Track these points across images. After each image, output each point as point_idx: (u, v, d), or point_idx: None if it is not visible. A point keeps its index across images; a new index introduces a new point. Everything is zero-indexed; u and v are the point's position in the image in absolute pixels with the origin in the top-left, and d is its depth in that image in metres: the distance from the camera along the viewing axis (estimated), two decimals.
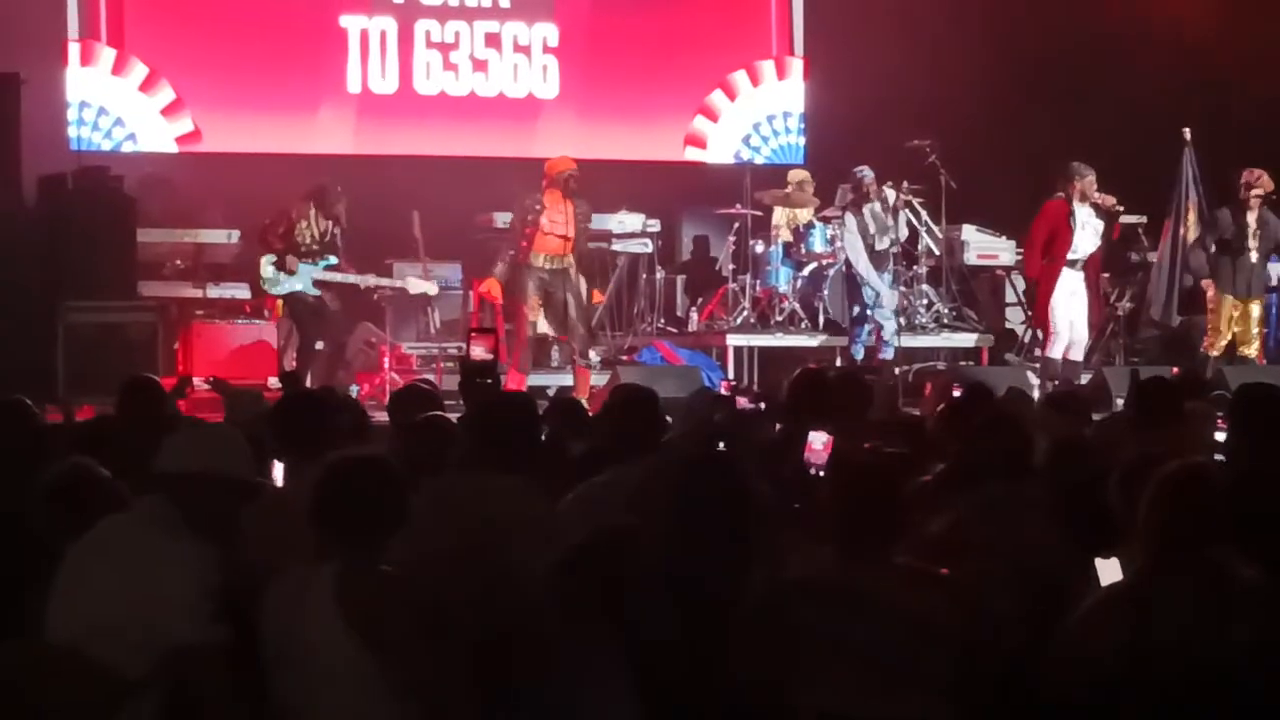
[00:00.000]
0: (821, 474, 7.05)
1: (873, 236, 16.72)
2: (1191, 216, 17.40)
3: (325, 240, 15.58)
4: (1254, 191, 16.25)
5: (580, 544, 5.52)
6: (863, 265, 16.63)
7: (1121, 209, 16.46)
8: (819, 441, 6.89)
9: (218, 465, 5.76)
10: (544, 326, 15.54)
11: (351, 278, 15.83)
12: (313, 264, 15.50)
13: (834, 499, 5.63)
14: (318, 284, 15.54)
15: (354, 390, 14.95)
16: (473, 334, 8.05)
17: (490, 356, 7.81)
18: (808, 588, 5.55)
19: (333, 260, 15.60)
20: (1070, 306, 16.21)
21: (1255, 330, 16.54)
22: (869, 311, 16.60)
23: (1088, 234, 16.16)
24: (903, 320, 17.02)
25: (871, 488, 5.59)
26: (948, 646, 5.43)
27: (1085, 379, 15.91)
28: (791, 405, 8.16)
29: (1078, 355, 16.37)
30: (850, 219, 16.82)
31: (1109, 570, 5.70)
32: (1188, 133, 17.45)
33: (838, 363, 16.64)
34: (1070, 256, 16.13)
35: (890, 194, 16.84)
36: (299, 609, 5.47)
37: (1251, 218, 16.34)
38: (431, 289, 16.26)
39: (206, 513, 5.68)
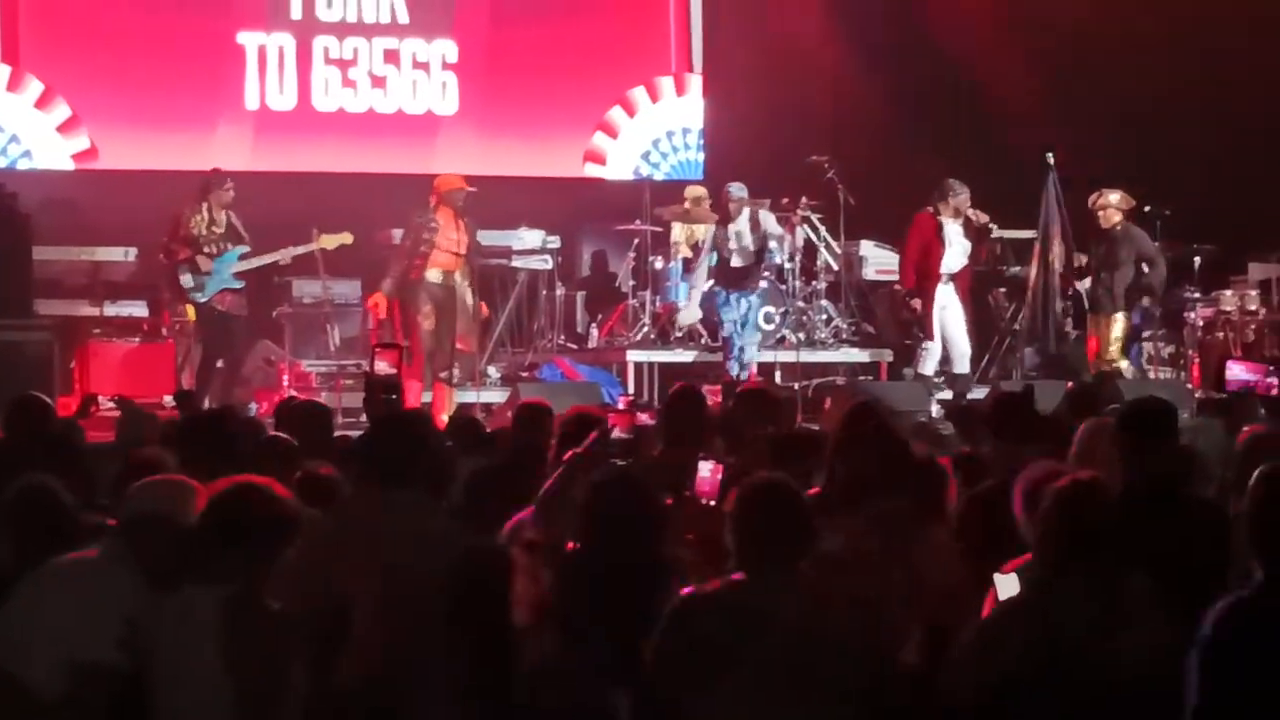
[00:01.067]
0: (713, 504, 7.01)
1: (730, 253, 16.69)
2: (1055, 245, 17.49)
3: (226, 229, 15.37)
4: (1100, 212, 16.52)
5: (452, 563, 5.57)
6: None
7: (993, 227, 16.65)
8: (707, 469, 6.87)
9: (174, 515, 5.85)
10: (434, 341, 15.50)
11: (269, 257, 15.61)
12: (223, 256, 15.29)
13: (737, 516, 5.68)
14: (239, 276, 15.35)
15: (253, 408, 14.87)
16: (378, 349, 8.04)
17: (395, 371, 7.80)
18: (712, 602, 5.61)
19: (244, 249, 15.40)
20: (943, 321, 16.36)
21: (1119, 345, 16.72)
22: (739, 327, 16.60)
23: (956, 250, 16.32)
24: (801, 335, 17.07)
25: (773, 504, 5.65)
26: (848, 659, 5.50)
27: (982, 393, 16.02)
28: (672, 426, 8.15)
29: (964, 368, 16.51)
30: (710, 231, 16.83)
31: (1006, 584, 5.77)
32: (1050, 156, 17.56)
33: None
34: (940, 271, 16.28)
35: (769, 219, 16.81)
36: (183, 630, 5.53)
37: (1113, 236, 16.58)
38: (347, 239, 15.96)
39: (157, 557, 5.78)
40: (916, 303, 16.39)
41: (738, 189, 16.67)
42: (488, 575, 5.49)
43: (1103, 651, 5.41)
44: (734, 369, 16.47)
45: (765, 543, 5.61)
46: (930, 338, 16.41)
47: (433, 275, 15.31)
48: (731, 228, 16.66)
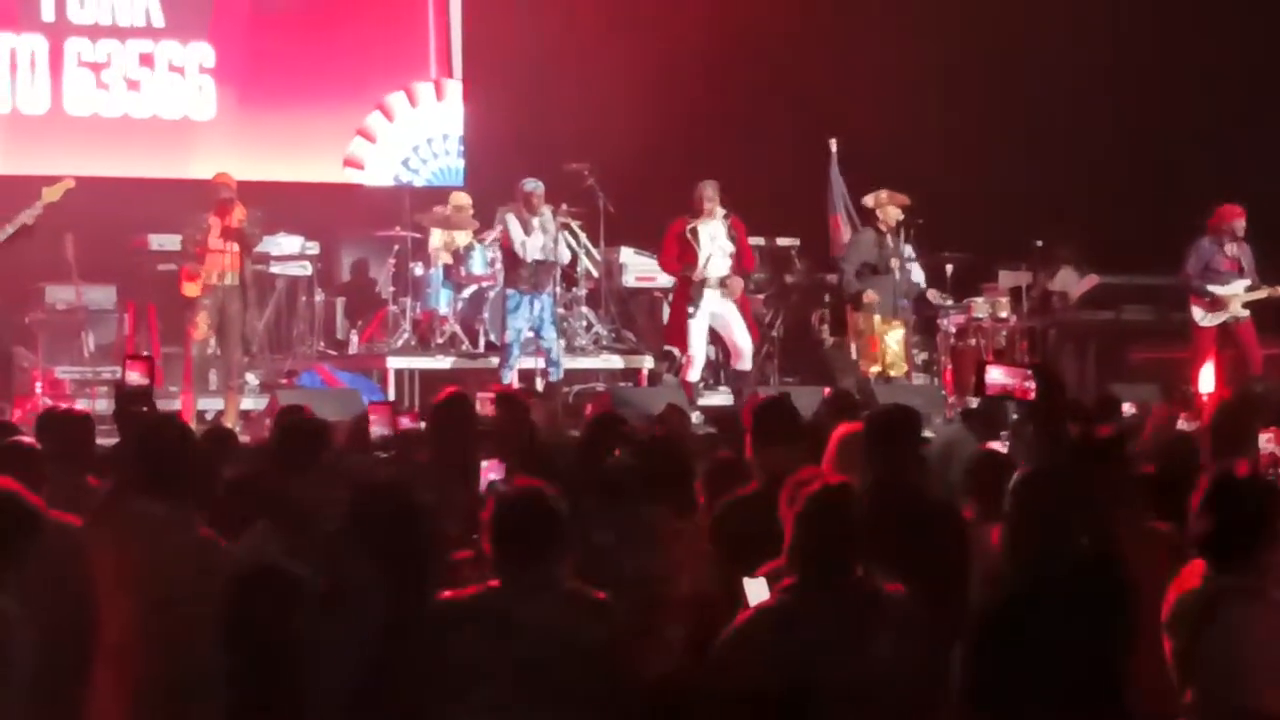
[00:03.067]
0: None
1: (526, 252, 16.57)
2: (843, 230, 17.80)
3: None
4: (881, 213, 16.73)
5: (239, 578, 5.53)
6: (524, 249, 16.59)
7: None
8: (493, 473, 6.95)
9: None
10: (215, 347, 15.34)
11: (4, 230, 14.70)
12: None
13: (492, 523, 5.70)
14: None
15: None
16: (129, 360, 7.94)
17: (146, 382, 7.72)
18: (465, 610, 5.63)
19: None
20: (716, 325, 16.42)
21: (900, 350, 16.92)
22: (537, 333, 16.54)
23: (716, 254, 16.26)
24: (562, 342, 17.08)
25: (528, 515, 5.68)
26: (598, 666, 5.55)
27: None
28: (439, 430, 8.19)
29: (746, 365, 16.54)
30: (511, 217, 16.70)
31: (756, 589, 5.85)
32: (834, 143, 17.83)
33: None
34: (698, 276, 16.24)
35: (548, 213, 16.77)
36: None
37: (889, 239, 16.77)
38: (69, 184, 14.85)
39: None
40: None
41: (539, 184, 16.57)
42: (261, 599, 5.43)
43: (852, 655, 5.50)
44: (507, 376, 16.40)
45: (518, 550, 5.64)
46: (685, 349, 16.42)
47: (210, 278, 15.14)
48: (535, 224, 16.51)
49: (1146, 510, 6.68)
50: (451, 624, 5.60)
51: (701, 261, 16.17)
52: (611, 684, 5.59)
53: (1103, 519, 5.93)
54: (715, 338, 16.66)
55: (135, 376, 7.66)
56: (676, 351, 16.74)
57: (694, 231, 16.18)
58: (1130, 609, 5.67)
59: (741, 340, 16.47)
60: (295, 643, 5.44)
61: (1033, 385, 8.12)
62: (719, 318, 16.37)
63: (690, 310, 16.23)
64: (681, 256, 16.27)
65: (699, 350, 16.37)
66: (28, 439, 7.72)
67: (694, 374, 16.40)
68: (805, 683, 5.45)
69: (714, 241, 16.23)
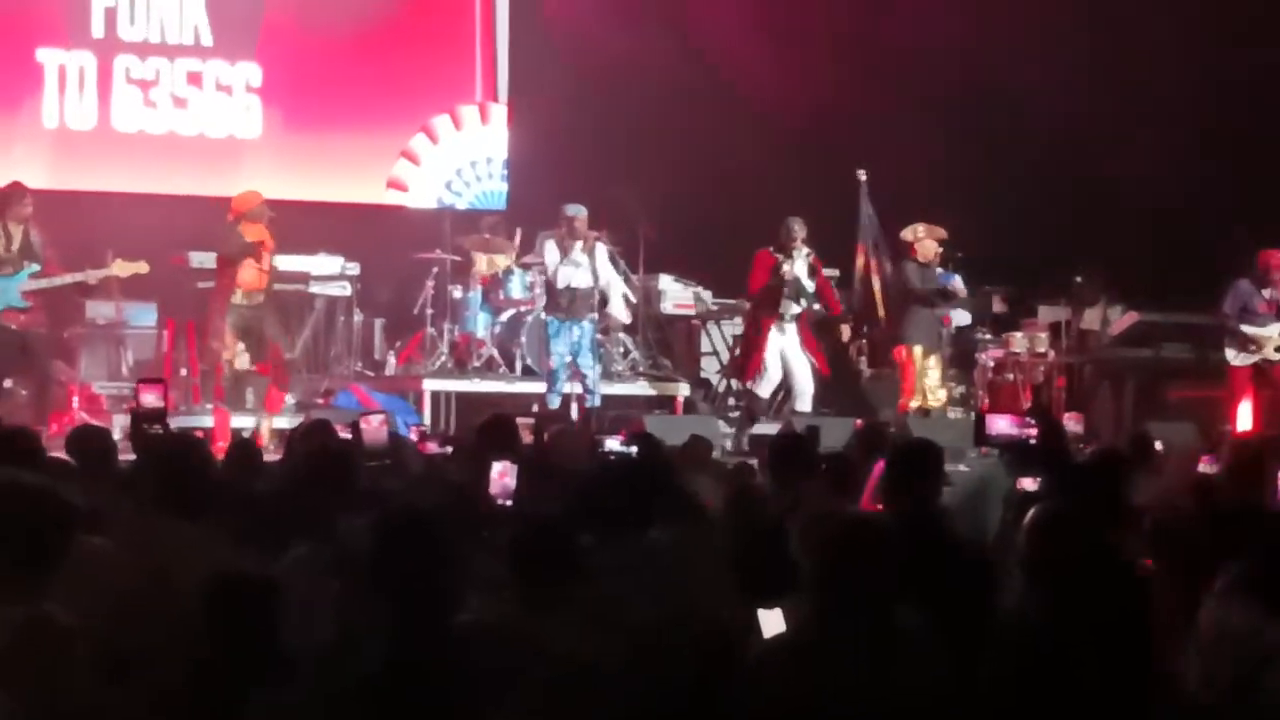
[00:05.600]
0: (509, 504, 7.17)
1: (570, 277, 16.59)
2: (859, 260, 17.85)
3: (20, 247, 14.92)
4: (919, 246, 16.77)
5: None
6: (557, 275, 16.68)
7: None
8: (497, 470, 7.00)
9: None
10: (243, 363, 15.42)
11: (64, 279, 15.12)
12: (12, 275, 14.88)
13: (512, 548, 5.73)
14: (28, 295, 14.95)
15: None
16: (141, 383, 8.01)
17: (161, 404, 7.77)
18: (486, 630, 5.64)
19: (35, 268, 14.99)
20: (784, 358, 16.56)
21: (939, 382, 16.95)
22: (573, 358, 16.61)
23: (796, 290, 16.46)
24: (599, 368, 17.12)
25: (548, 538, 5.71)
26: (617, 689, 5.56)
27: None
28: (479, 447, 8.26)
29: (804, 406, 16.60)
30: (551, 243, 16.80)
31: (771, 620, 5.86)
32: (863, 174, 17.86)
33: (534, 409, 16.65)
34: (780, 310, 16.44)
35: (598, 246, 16.86)
36: None
37: (929, 272, 16.82)
38: (142, 268, 15.51)
39: None
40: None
41: (580, 209, 16.64)
42: (240, 604, 5.45)
43: (871, 687, 5.50)
44: (554, 401, 16.49)
45: (539, 573, 5.67)
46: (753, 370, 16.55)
47: (236, 296, 15.24)
48: (575, 251, 16.59)
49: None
50: (474, 646, 5.61)
51: (784, 296, 16.37)
52: (632, 710, 5.59)
53: (1115, 557, 5.94)
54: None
55: (150, 399, 7.70)
56: (714, 380, 16.84)
57: (779, 266, 16.29)
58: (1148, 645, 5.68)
59: (803, 382, 16.62)
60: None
61: (1033, 431, 8.17)
62: (786, 353, 16.51)
63: (766, 336, 16.42)
64: (767, 287, 16.39)
65: (774, 367, 16.45)
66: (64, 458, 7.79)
67: (765, 389, 16.48)
68: (827, 714, 5.45)
69: (796, 279, 16.40)
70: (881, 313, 17.75)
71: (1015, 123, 18.96)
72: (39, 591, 5.22)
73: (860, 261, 17.95)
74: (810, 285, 16.56)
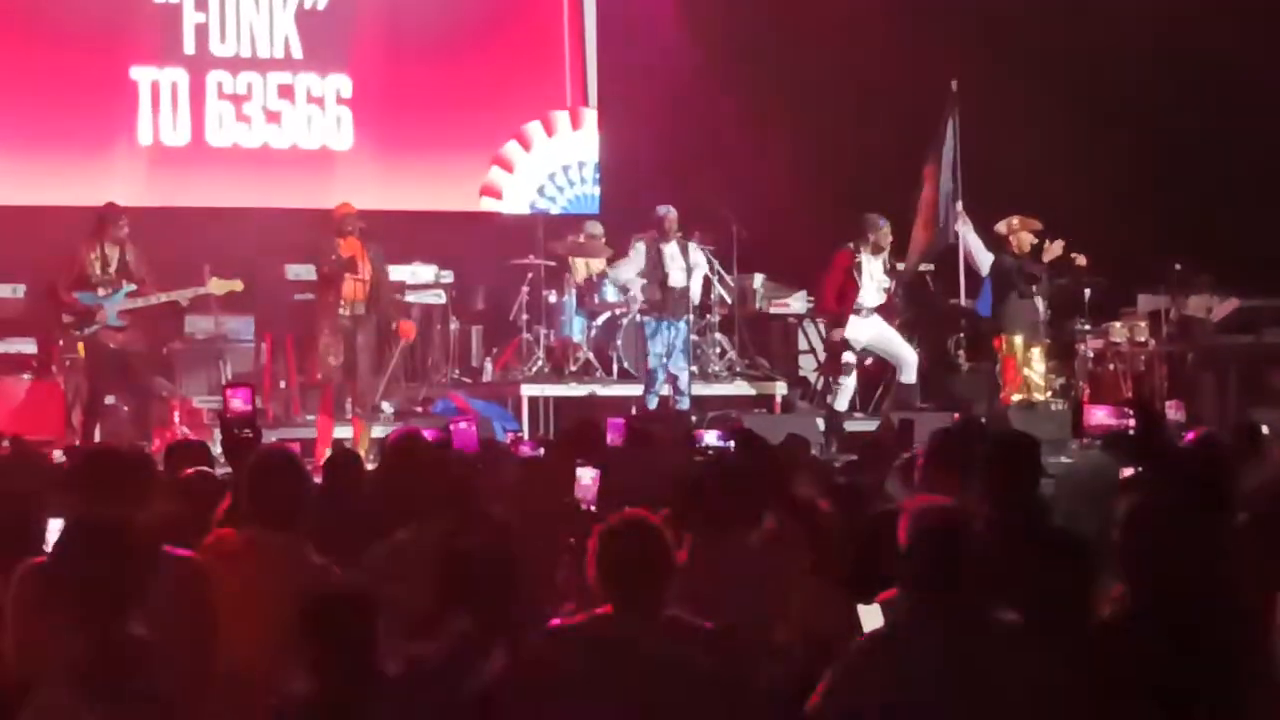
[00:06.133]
0: (592, 508, 7.19)
1: (665, 273, 16.72)
2: (944, 174, 17.79)
3: (117, 268, 15.10)
4: (1014, 239, 16.67)
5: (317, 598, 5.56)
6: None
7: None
8: (587, 477, 7.02)
9: None
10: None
11: (160, 297, 15.31)
12: (110, 295, 15.06)
13: (601, 555, 5.70)
14: (123, 314, 15.10)
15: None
16: (228, 388, 8.04)
17: (249, 407, 7.79)
18: (576, 636, 5.63)
19: (131, 287, 15.14)
20: (875, 345, 16.57)
21: (1042, 373, 16.84)
22: (664, 360, 16.62)
23: (873, 286, 16.40)
24: (695, 369, 17.10)
25: (638, 543, 5.68)
26: (710, 696, 5.53)
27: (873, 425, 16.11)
28: (565, 449, 8.27)
29: (910, 377, 16.62)
30: (641, 245, 16.85)
31: (871, 616, 5.82)
32: (955, 84, 17.81)
33: (632, 411, 16.64)
34: (856, 306, 16.36)
35: (692, 248, 16.90)
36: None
37: (1023, 262, 16.72)
38: (237, 286, 15.76)
39: None
40: (838, 332, 16.43)
41: (670, 210, 16.68)
42: (337, 618, 5.45)
43: (964, 683, 5.44)
44: (652, 402, 16.52)
45: (628, 577, 5.64)
46: (842, 374, 16.50)
47: (341, 309, 15.33)
48: (667, 251, 16.64)
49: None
50: (561, 649, 5.60)
51: (862, 293, 16.31)
52: (723, 714, 5.56)
53: (1213, 552, 5.85)
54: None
55: (238, 404, 7.72)
56: (812, 378, 16.80)
57: (859, 265, 16.23)
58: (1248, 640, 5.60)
59: (904, 351, 16.65)
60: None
61: (1131, 422, 8.10)
62: (876, 338, 16.50)
63: (845, 339, 16.34)
64: (844, 287, 16.28)
65: (849, 379, 16.39)
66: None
67: (842, 403, 16.41)
68: (916, 712, 5.40)
69: (873, 277, 16.39)
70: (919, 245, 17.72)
71: (1115, 110, 18.78)
72: (123, 614, 5.32)
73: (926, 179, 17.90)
74: (886, 281, 16.48)
